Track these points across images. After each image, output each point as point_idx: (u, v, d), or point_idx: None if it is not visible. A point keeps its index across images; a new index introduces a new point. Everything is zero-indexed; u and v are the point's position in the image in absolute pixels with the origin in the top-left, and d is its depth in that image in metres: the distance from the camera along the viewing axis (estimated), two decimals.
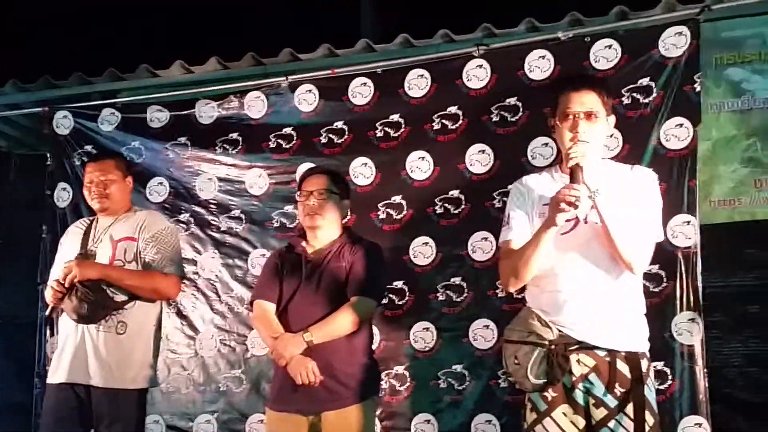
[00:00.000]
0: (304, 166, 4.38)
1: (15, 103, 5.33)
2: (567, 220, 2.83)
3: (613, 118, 3.01)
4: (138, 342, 3.73)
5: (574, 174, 2.74)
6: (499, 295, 4.04)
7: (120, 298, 3.69)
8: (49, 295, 3.67)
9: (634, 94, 3.91)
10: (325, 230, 3.48)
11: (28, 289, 4.86)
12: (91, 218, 3.96)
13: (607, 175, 2.90)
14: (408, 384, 4.16)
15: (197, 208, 4.71)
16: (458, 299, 4.13)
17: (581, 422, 2.78)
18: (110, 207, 3.87)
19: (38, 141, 5.24)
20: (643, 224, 2.82)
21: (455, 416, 4.08)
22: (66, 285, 3.61)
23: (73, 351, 3.66)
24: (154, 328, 3.84)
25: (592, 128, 2.86)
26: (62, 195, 4.88)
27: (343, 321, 3.29)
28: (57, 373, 3.69)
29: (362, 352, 3.39)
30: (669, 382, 3.69)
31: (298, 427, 3.30)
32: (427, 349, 4.15)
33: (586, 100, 2.89)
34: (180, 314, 4.67)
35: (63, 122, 4.95)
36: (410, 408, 4.13)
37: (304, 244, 3.51)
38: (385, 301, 4.00)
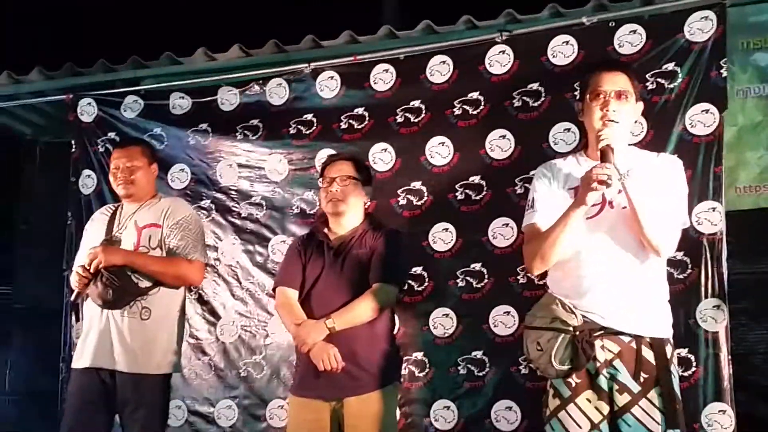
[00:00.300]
0: (324, 152, 4.41)
1: (39, 90, 5.38)
2: (593, 204, 2.82)
3: (641, 105, 3.00)
4: (162, 328, 3.76)
5: (604, 155, 2.73)
6: (519, 281, 4.01)
7: (144, 284, 3.73)
8: (74, 280, 3.72)
9: (659, 80, 3.87)
10: (348, 217, 3.49)
11: (53, 275, 4.90)
12: (116, 205, 4.00)
13: (634, 161, 2.88)
14: (427, 370, 4.14)
15: (218, 195, 4.72)
16: (478, 285, 4.10)
17: (605, 408, 2.76)
18: (136, 193, 3.90)
19: (63, 128, 5.26)
20: (670, 209, 2.80)
21: (475, 402, 4.05)
22: (91, 270, 3.64)
23: (98, 336, 3.69)
24: (178, 314, 3.87)
25: (622, 108, 2.86)
26: (87, 182, 4.90)
27: (365, 308, 3.30)
28: (82, 358, 3.72)
29: (384, 339, 3.39)
30: (693, 368, 3.65)
31: (320, 412, 3.31)
32: (446, 335, 4.13)
33: (618, 80, 2.90)
34: (201, 300, 4.67)
35: (87, 109, 4.98)
36: (430, 394, 4.10)
37: (326, 230, 3.52)
38: (405, 287, 3.99)
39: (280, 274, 3.61)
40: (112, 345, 3.67)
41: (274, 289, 3.60)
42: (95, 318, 3.73)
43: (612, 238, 2.81)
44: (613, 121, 2.81)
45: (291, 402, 3.46)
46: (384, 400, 3.31)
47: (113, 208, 3.98)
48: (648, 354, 2.74)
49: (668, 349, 2.79)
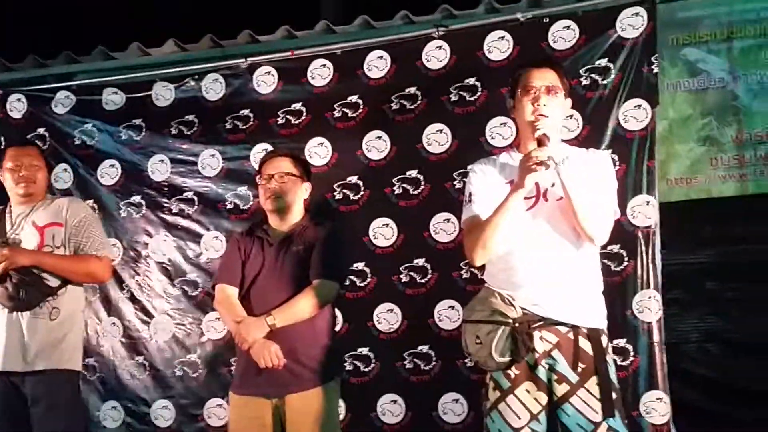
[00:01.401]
0: (260, 147, 4.41)
1: None
2: (527, 198, 2.83)
3: (569, 102, 3.01)
4: (70, 326, 3.72)
5: (541, 143, 2.74)
6: (463, 276, 4.05)
7: (53, 283, 3.67)
8: None
9: (593, 75, 3.95)
10: (287, 213, 3.46)
11: None
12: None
13: (566, 155, 2.90)
14: (373, 365, 4.16)
15: (149, 191, 4.68)
16: (422, 281, 4.13)
17: (544, 398, 2.77)
18: (35, 193, 3.82)
19: None
20: (602, 200, 2.83)
21: (422, 396, 4.08)
22: None
23: (6, 340, 3.60)
24: (81, 312, 3.86)
25: (552, 103, 2.87)
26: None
27: (306, 304, 3.27)
28: None
29: (324, 335, 3.37)
30: (631, 358, 3.74)
31: (262, 410, 3.28)
32: (391, 330, 4.15)
33: (547, 76, 2.91)
34: (133, 299, 4.63)
35: (16, 105, 4.90)
36: (376, 389, 4.13)
37: (265, 227, 3.49)
38: (346, 283, 3.98)
39: (220, 271, 3.57)
40: (22, 347, 3.59)
41: (213, 287, 3.56)
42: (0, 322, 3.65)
43: (547, 230, 2.82)
44: (543, 115, 2.84)
45: (232, 400, 3.42)
46: (326, 396, 3.28)
47: None
48: (585, 344, 2.76)
49: (604, 339, 2.81)
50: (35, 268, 3.62)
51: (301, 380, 3.26)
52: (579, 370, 2.74)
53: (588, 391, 2.72)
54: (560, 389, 2.75)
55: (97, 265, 3.76)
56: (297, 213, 3.49)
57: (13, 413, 3.60)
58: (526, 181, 2.72)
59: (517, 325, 2.77)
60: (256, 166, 4.37)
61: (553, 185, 2.82)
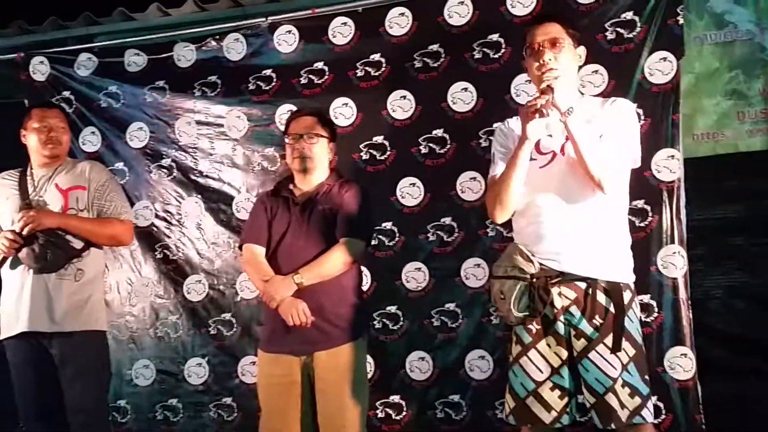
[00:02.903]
0: (285, 107, 4.41)
1: None
2: (544, 153, 2.87)
3: (583, 50, 2.98)
4: (94, 287, 3.78)
5: (543, 93, 2.75)
6: (489, 234, 4.09)
7: (78, 245, 3.72)
8: (4, 245, 3.63)
9: (618, 29, 3.91)
10: (313, 173, 3.46)
11: None
12: (18, 170, 3.89)
13: (585, 108, 2.90)
14: (401, 323, 4.22)
15: (178, 153, 4.69)
16: (449, 239, 4.17)
17: (564, 353, 2.82)
18: (60, 155, 3.85)
19: (14, 88, 5.12)
20: (616, 145, 2.81)
21: (449, 353, 4.15)
22: (24, 234, 3.60)
23: (31, 300, 3.65)
24: (102, 273, 3.92)
25: (559, 56, 2.86)
26: None
27: (333, 262, 3.30)
28: (17, 324, 3.66)
29: (352, 293, 3.40)
30: (655, 314, 3.78)
31: (290, 367, 3.32)
32: (419, 288, 4.20)
33: (549, 30, 2.90)
34: (166, 260, 4.67)
35: (39, 68, 4.88)
36: (404, 346, 4.19)
37: (291, 186, 3.50)
38: (375, 242, 4.02)
39: (246, 231, 3.59)
40: (48, 308, 3.63)
41: (240, 246, 3.58)
42: (24, 283, 3.68)
43: (566, 185, 2.83)
44: (551, 69, 2.84)
45: (260, 358, 3.46)
46: (353, 354, 3.32)
47: (18, 173, 3.87)
48: (602, 298, 2.78)
49: (627, 294, 2.82)
50: (60, 230, 3.66)
51: (329, 338, 3.30)
52: (597, 324, 2.77)
53: (606, 346, 2.75)
54: (579, 344, 2.80)
55: (120, 228, 3.81)
56: (323, 173, 3.49)
57: (42, 373, 3.65)
58: (528, 132, 2.75)
59: (534, 280, 2.81)
60: (282, 127, 4.43)
61: (569, 140, 2.83)
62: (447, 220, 4.17)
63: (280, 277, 3.31)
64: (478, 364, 4.09)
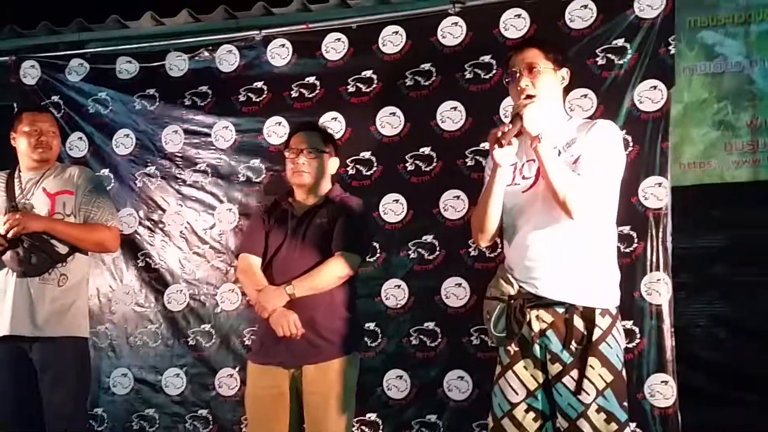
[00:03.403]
0: (273, 120, 4.44)
1: None
2: (526, 178, 2.90)
3: (566, 71, 2.97)
4: (78, 293, 3.77)
5: (513, 121, 2.77)
6: (471, 254, 4.07)
7: (62, 250, 3.70)
8: None
9: (609, 55, 3.92)
10: (313, 187, 3.46)
11: None
12: (5, 172, 3.88)
13: (567, 130, 2.90)
14: (380, 340, 4.19)
15: (163, 161, 4.68)
16: (430, 257, 4.15)
17: (541, 376, 2.82)
18: (50, 159, 3.84)
19: (3, 92, 5.11)
20: (591, 169, 2.78)
21: (427, 372, 4.12)
22: (9, 237, 3.57)
23: (13, 304, 3.63)
24: (86, 280, 3.88)
25: (536, 81, 2.87)
26: None
27: (327, 275, 3.28)
28: None
29: (344, 307, 3.37)
30: (637, 340, 3.76)
31: (279, 379, 3.30)
32: (398, 306, 4.19)
33: (526, 56, 2.92)
34: (148, 268, 4.66)
35: (30, 72, 4.88)
36: (382, 364, 4.16)
37: (290, 199, 3.50)
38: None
39: (243, 241, 3.59)
40: (31, 312, 3.62)
41: (236, 256, 3.59)
42: (8, 286, 3.66)
43: (546, 210, 2.82)
44: (529, 95, 2.85)
45: (249, 369, 3.43)
46: (343, 369, 3.30)
47: (5, 175, 3.86)
48: (579, 324, 2.77)
49: (606, 319, 2.79)
50: (45, 234, 3.64)
51: (319, 351, 3.28)
52: (572, 350, 2.76)
53: (581, 371, 2.74)
54: (554, 369, 2.79)
55: (106, 235, 3.79)
56: (324, 187, 3.49)
57: (22, 378, 3.63)
58: (496, 158, 2.80)
59: (511, 302, 2.82)
60: (269, 139, 4.46)
61: (533, 161, 2.85)
62: (429, 238, 4.16)
63: (273, 288, 3.30)
64: (457, 385, 4.05)
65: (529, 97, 2.84)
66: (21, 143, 3.81)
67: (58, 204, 3.75)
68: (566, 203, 2.73)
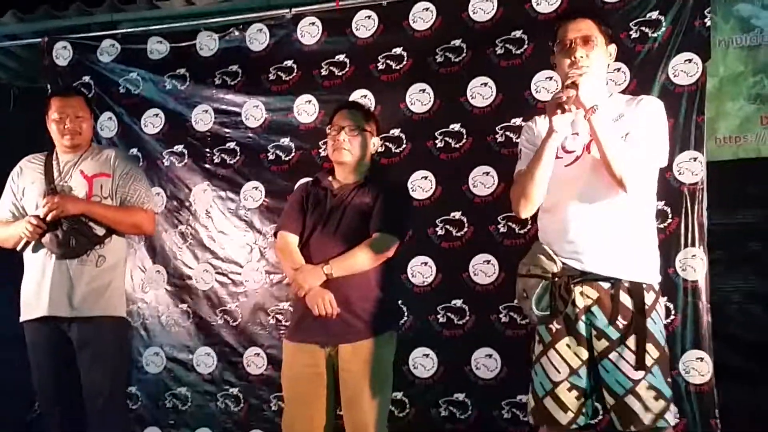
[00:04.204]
0: (303, 98, 4.44)
1: (14, 33, 5.23)
2: (569, 152, 2.84)
3: (614, 47, 2.95)
4: (115, 274, 3.80)
5: (568, 90, 2.73)
6: (500, 230, 4.03)
7: (100, 232, 3.74)
8: (26, 230, 3.64)
9: (643, 28, 3.87)
10: (353, 166, 3.44)
11: None
12: (44, 153, 3.91)
13: (613, 106, 2.86)
14: (406, 318, 4.16)
15: (192, 141, 4.69)
16: (458, 234, 4.11)
17: (584, 354, 2.78)
18: (80, 144, 3.86)
19: (37, 73, 5.16)
20: (642, 143, 2.77)
21: (454, 350, 4.08)
22: (48, 220, 3.61)
23: (51, 285, 3.67)
24: (124, 260, 3.92)
25: (590, 54, 2.84)
26: None
27: (364, 256, 3.26)
28: (38, 308, 3.68)
29: (378, 287, 3.34)
30: (672, 316, 3.70)
31: (315, 357, 3.30)
32: (425, 284, 4.16)
33: (582, 27, 2.88)
34: (177, 247, 4.68)
35: (62, 53, 4.91)
36: (409, 342, 4.11)
37: (330, 178, 3.48)
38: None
39: (282, 219, 3.56)
40: (69, 293, 3.66)
41: (275, 234, 3.57)
42: (46, 267, 3.70)
43: (591, 184, 2.80)
44: (582, 66, 2.81)
45: (286, 347, 3.43)
46: (378, 348, 3.28)
47: (43, 157, 3.89)
48: (626, 299, 2.75)
49: (650, 295, 2.78)
50: (84, 217, 3.68)
51: (354, 330, 3.27)
52: (619, 326, 2.73)
53: (627, 347, 2.72)
54: (600, 345, 2.75)
55: (143, 217, 3.84)
56: (364, 166, 3.47)
57: (61, 357, 3.68)
58: (554, 125, 2.74)
59: (555, 279, 2.77)
60: (299, 118, 4.44)
61: (590, 136, 2.80)
62: (457, 215, 4.12)
63: (310, 266, 3.28)
64: (485, 363, 4.02)
65: (580, 68, 2.80)
66: (52, 129, 3.85)
67: (96, 186, 3.78)
68: (622, 176, 2.71)
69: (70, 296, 3.65)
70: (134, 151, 4.74)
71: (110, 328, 3.73)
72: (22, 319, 3.76)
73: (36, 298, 3.70)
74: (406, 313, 4.16)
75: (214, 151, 4.64)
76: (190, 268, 4.65)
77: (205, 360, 4.56)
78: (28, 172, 3.86)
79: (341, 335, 3.26)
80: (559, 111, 2.71)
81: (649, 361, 2.70)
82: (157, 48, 4.77)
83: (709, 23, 3.78)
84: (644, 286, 2.78)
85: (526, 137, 3.04)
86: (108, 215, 3.73)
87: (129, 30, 4.94)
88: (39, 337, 3.71)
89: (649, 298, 2.77)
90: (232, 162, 4.60)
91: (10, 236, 3.75)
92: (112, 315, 3.74)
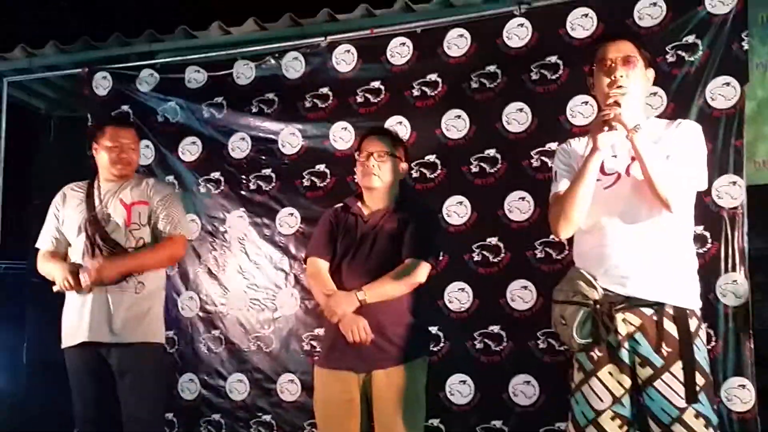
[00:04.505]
0: (339, 125, 4.45)
1: (54, 64, 5.36)
2: (609, 174, 2.81)
3: (652, 72, 2.92)
4: (154, 300, 3.83)
5: (611, 109, 2.70)
6: (537, 256, 3.99)
7: None
8: (64, 286, 3.69)
9: (679, 52, 3.84)
10: (383, 192, 3.44)
11: None
12: (86, 182, 3.95)
13: (651, 129, 2.83)
14: (443, 344, 4.13)
15: (229, 168, 4.73)
16: (494, 260, 4.09)
17: (627, 382, 2.72)
18: (128, 175, 3.90)
19: (77, 103, 5.25)
20: (683, 166, 2.73)
21: (492, 377, 4.03)
22: (84, 289, 3.66)
23: (91, 311, 3.69)
24: (162, 287, 3.93)
25: (630, 74, 2.81)
26: None
27: (398, 282, 3.26)
28: (78, 334, 3.71)
29: (411, 312, 3.33)
30: (713, 343, 3.62)
31: (349, 384, 3.28)
32: (462, 309, 4.12)
33: (622, 48, 2.85)
34: (210, 273, 4.71)
35: (102, 83, 5.00)
36: (445, 368, 4.08)
37: (360, 204, 3.49)
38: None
39: (312, 245, 3.57)
40: (108, 319, 3.68)
41: (305, 259, 3.57)
42: (87, 295, 3.72)
43: (631, 206, 2.76)
44: (621, 86, 2.78)
45: (318, 374, 3.41)
46: (411, 374, 3.26)
47: (85, 185, 3.94)
48: (670, 326, 2.68)
49: (693, 321, 2.71)
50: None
51: (388, 356, 3.25)
52: (664, 353, 2.67)
53: (673, 375, 2.64)
54: (644, 372, 2.68)
55: (173, 248, 3.85)
56: (393, 192, 3.47)
57: (101, 382, 3.70)
58: (599, 142, 2.71)
59: (597, 306, 2.73)
60: (335, 145, 4.46)
61: (633, 160, 2.76)
62: (493, 240, 4.10)
63: (343, 293, 3.28)
64: (523, 389, 3.97)
65: (620, 87, 2.78)
66: (102, 157, 3.87)
67: (134, 214, 3.81)
68: (666, 195, 2.67)
69: (110, 322, 3.68)
70: (170, 178, 4.79)
71: (149, 354, 3.75)
72: (63, 345, 3.79)
73: (77, 324, 3.72)
74: (442, 339, 4.13)
75: (250, 177, 4.67)
76: (224, 293, 4.66)
77: (238, 387, 4.56)
78: (70, 201, 3.91)
79: (375, 361, 3.25)
80: (606, 128, 2.68)
81: (696, 390, 2.63)
82: (195, 77, 4.84)
83: (746, 46, 3.74)
84: (687, 311, 2.72)
85: (561, 159, 3.00)
86: (145, 263, 3.76)
87: (167, 60, 5.03)
88: (79, 362, 3.73)
89: (692, 324, 2.71)
90: (267, 188, 4.63)
91: (50, 275, 3.79)
92: (151, 341, 3.76)
